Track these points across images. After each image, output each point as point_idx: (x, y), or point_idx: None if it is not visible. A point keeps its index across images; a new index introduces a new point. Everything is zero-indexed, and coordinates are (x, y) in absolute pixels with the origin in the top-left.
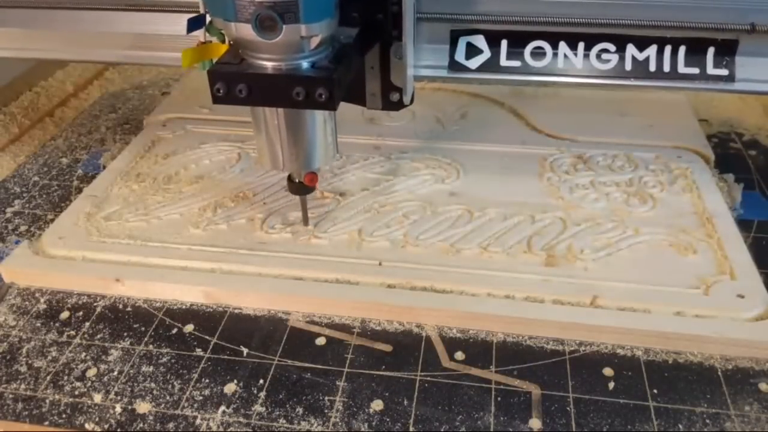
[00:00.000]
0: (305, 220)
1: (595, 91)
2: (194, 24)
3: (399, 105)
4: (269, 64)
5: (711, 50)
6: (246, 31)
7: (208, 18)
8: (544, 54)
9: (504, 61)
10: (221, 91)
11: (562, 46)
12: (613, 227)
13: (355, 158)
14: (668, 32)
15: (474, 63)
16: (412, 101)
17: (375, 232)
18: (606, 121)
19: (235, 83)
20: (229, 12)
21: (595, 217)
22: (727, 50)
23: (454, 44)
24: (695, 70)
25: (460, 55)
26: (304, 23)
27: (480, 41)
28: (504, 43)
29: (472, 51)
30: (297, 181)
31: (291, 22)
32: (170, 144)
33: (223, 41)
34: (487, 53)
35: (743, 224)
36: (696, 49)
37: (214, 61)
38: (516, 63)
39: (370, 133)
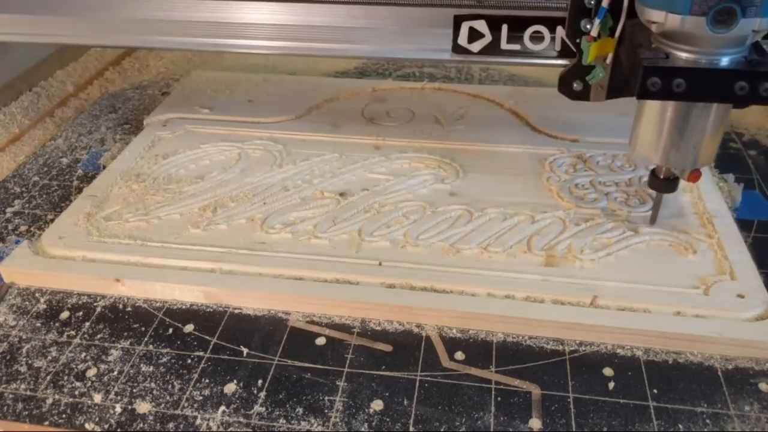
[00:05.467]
0: (653, 219)
1: None
2: (601, 16)
3: None
4: (703, 59)
5: None
6: (696, 24)
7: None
8: (542, 38)
9: (504, 45)
10: (656, 86)
11: (560, 31)
12: (613, 227)
13: (355, 158)
14: None
15: (476, 46)
16: None
17: (375, 232)
18: (606, 121)
19: (671, 78)
20: (683, 5)
21: (595, 217)
22: None
23: (457, 29)
24: None
25: (462, 39)
26: (762, 17)
27: (482, 26)
28: (504, 27)
29: (474, 35)
30: (662, 177)
31: (751, 15)
32: (170, 144)
33: (612, 35)
34: (488, 37)
35: (743, 224)
36: None
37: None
38: (516, 46)
39: (370, 133)
